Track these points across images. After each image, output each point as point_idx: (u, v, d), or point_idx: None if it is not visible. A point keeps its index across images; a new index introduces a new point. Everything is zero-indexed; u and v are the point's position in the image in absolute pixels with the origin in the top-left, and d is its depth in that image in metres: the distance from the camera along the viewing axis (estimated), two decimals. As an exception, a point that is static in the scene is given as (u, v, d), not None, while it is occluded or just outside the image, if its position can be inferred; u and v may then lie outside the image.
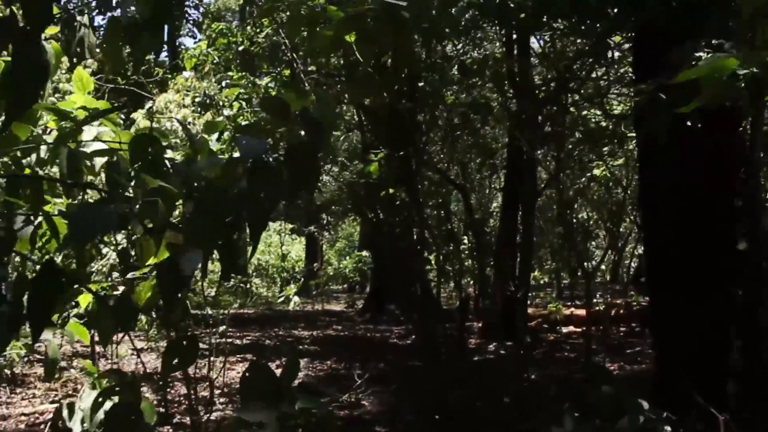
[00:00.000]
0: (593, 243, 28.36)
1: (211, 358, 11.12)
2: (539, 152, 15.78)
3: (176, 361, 2.80)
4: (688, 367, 7.13)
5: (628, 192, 21.43)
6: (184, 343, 2.84)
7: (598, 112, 14.35)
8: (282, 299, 11.26)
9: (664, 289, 7.28)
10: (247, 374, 2.59)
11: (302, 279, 29.58)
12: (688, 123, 5.84)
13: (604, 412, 4.71)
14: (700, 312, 6.96)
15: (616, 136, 13.14)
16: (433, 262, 12.57)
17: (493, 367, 11.40)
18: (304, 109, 2.97)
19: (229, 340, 14.37)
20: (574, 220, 23.98)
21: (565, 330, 16.64)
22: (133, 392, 3.04)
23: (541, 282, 29.78)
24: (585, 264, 8.98)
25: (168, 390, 9.14)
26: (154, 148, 2.64)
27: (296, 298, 10.25)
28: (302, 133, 2.88)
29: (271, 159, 2.81)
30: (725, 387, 7.05)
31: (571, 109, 13.59)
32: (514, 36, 13.29)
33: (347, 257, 32.62)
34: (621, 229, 25.11)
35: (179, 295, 2.57)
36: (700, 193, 6.98)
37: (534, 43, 14.94)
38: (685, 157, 6.99)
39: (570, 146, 16.18)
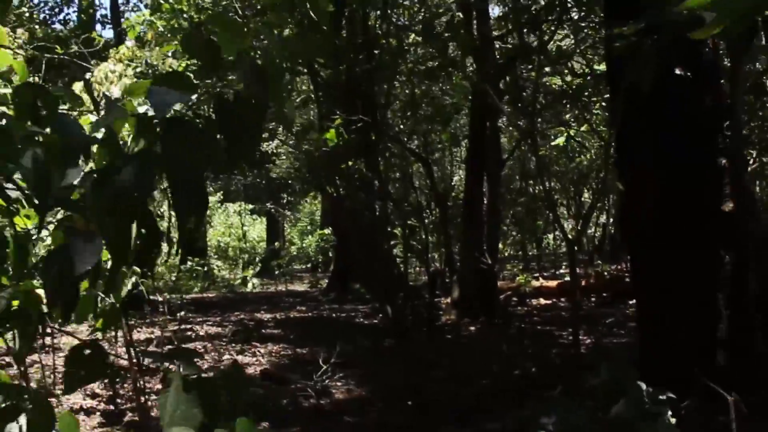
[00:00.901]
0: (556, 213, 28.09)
1: (168, 348, 10.53)
2: (501, 121, 15.34)
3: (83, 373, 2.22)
4: (675, 338, 6.71)
5: (592, 159, 21.15)
6: (87, 352, 2.24)
7: (558, 81, 13.92)
8: (239, 281, 10.68)
9: (649, 255, 6.82)
10: (171, 394, 1.93)
11: (262, 260, 29.01)
12: (678, 72, 5.36)
13: (601, 395, 4.23)
14: (687, 279, 6.53)
15: (580, 98, 12.66)
16: (398, 237, 12.05)
17: (466, 346, 10.92)
18: (241, 54, 2.39)
19: (189, 326, 13.81)
20: (537, 190, 23.69)
21: (534, 302, 16.23)
22: (42, 410, 2.43)
23: (506, 254, 29.39)
24: (564, 231, 8.45)
25: (119, 384, 8.48)
26: (45, 101, 2.03)
27: (255, 280, 9.65)
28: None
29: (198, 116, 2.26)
30: (714, 358, 6.65)
31: (532, 74, 13.14)
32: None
33: (310, 236, 32.09)
34: (583, 198, 24.88)
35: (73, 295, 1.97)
36: (683, 153, 6.52)
37: (492, 10, 14.55)
38: (668, 113, 6.52)
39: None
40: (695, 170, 6.53)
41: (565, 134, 16.45)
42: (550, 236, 29.03)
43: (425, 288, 13.76)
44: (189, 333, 13.11)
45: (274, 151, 18.53)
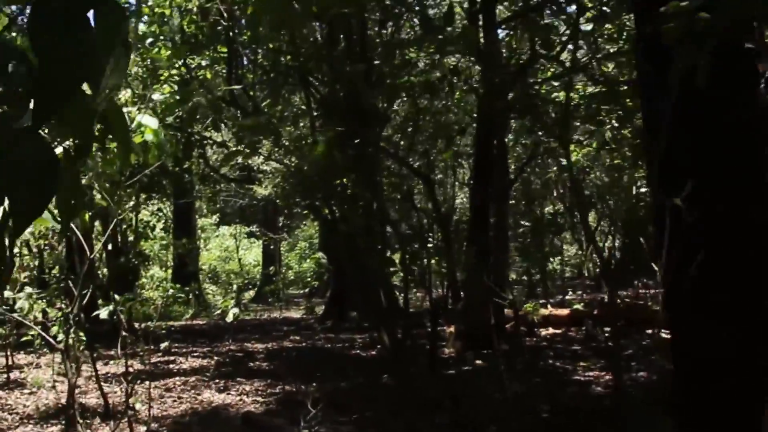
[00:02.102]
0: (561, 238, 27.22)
1: (149, 383, 9.55)
2: (509, 137, 14.41)
3: None
4: (714, 382, 5.71)
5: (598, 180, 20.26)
6: None
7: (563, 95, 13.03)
8: (219, 312, 9.73)
9: (688, 291, 5.82)
10: None
11: (256, 285, 28.04)
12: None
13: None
14: (734, 321, 5.53)
15: (593, 116, 11.76)
16: (397, 262, 11.06)
17: (471, 384, 9.89)
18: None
19: (172, 358, 12.82)
20: (542, 212, 22.78)
21: (543, 332, 15.20)
22: None
23: (509, 279, 28.35)
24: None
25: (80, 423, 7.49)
26: None
27: (235, 310, 8.66)
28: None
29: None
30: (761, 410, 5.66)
31: (543, 86, 12.26)
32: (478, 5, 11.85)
33: (307, 260, 31.17)
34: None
35: None
36: (728, 171, 5.54)
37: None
38: (708, 122, 5.54)
39: (540, 132, 14.85)
40: (741, 189, 5.55)
41: (574, 153, 15.56)
42: (555, 261, 28.07)
43: (426, 316, 12.79)
44: (171, 366, 12.10)
45: (260, 167, 17.44)
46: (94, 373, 8.67)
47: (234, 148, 11.20)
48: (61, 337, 9.14)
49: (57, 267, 19.34)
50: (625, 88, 10.61)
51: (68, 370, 6.86)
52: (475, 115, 12.57)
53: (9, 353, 11.69)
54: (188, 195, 25.72)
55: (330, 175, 9.70)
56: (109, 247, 12.30)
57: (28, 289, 8.57)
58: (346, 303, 18.65)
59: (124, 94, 7.35)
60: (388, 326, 10.71)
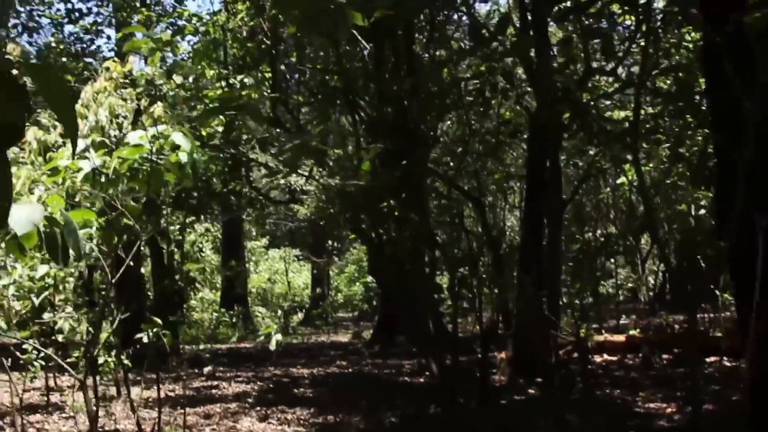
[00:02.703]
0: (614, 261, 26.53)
1: (185, 409, 9.25)
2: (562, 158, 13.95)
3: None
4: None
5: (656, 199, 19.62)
6: None
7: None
8: (262, 338, 9.43)
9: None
10: None
11: (305, 309, 27.79)
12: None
13: None
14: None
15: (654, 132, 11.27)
16: (445, 288, 10.65)
17: (524, 416, 9.41)
18: None
19: (216, 383, 12.54)
20: (594, 235, 22.19)
21: (599, 359, 14.62)
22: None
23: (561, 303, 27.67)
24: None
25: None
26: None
27: (278, 337, 8.31)
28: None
29: None
30: None
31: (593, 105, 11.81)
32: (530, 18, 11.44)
33: (357, 283, 30.89)
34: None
35: None
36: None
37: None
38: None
39: (592, 151, 14.37)
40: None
41: (629, 173, 15.02)
42: (608, 284, 27.35)
43: (476, 341, 12.36)
44: (213, 391, 11.81)
45: (302, 188, 17.09)
46: (127, 398, 8.37)
47: (275, 168, 10.92)
48: (101, 360, 8.95)
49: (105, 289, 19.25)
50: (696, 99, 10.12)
51: (88, 402, 6.56)
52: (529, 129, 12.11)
53: (53, 375, 11.52)
54: (236, 217, 25.63)
55: (376, 196, 9.36)
56: (144, 269, 12.06)
57: (69, 310, 8.34)
58: (395, 327, 18.24)
59: (155, 108, 7.09)
60: (436, 353, 10.30)
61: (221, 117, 10.72)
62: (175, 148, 5.73)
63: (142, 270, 18.97)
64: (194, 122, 8.72)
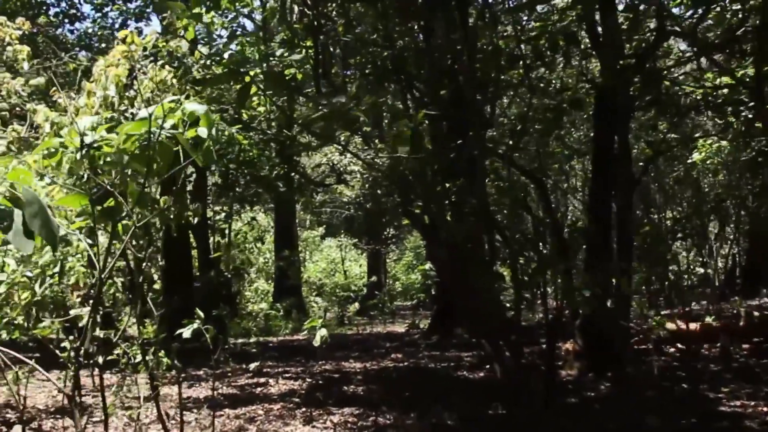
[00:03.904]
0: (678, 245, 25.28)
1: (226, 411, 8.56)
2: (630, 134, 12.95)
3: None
4: None
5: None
6: None
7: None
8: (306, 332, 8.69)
9: None
10: None
11: (360, 299, 27.16)
12: None
13: None
14: None
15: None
16: (506, 275, 9.77)
17: (596, 415, 8.53)
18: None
19: (262, 380, 11.85)
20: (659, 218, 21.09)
21: (671, 349, 13.58)
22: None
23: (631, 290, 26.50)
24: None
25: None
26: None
27: (323, 332, 7.53)
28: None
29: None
30: None
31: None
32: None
33: (414, 271, 30.18)
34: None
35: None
36: None
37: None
38: None
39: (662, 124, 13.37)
40: None
41: (703, 149, 13.94)
42: (677, 269, 26.11)
43: (541, 331, 11.48)
44: (259, 389, 11.11)
45: (346, 169, 16.09)
46: (154, 400, 7.67)
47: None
48: (139, 358, 8.35)
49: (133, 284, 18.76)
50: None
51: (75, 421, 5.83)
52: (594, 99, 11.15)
53: (91, 374, 10.93)
54: (289, 206, 25.06)
55: (431, 177, 8.55)
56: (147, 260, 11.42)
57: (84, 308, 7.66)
58: (453, 317, 17.37)
59: (156, 72, 6.35)
60: (496, 346, 9.45)
61: (262, 96, 9.96)
62: (194, 120, 4.96)
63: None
64: (201, 87, 7.93)
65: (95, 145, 4.78)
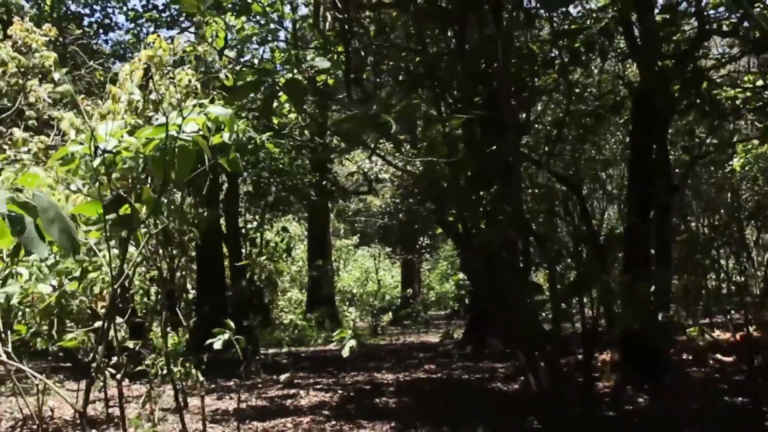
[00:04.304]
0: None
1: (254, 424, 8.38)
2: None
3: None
4: None
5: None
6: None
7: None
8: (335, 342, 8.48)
9: None
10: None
11: (393, 308, 26.97)
12: None
13: None
14: None
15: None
16: (543, 286, 9.52)
17: (635, 427, 8.23)
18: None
19: (293, 391, 11.66)
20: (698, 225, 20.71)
21: (711, 361, 13.18)
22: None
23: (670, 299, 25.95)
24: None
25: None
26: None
27: (352, 342, 7.33)
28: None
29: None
30: None
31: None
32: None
33: (449, 280, 29.91)
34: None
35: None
36: None
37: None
38: None
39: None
40: None
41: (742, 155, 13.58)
42: (715, 277, 25.58)
43: (577, 341, 11.19)
44: (289, 401, 10.91)
45: (377, 176, 15.75)
46: (179, 412, 7.52)
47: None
48: (166, 369, 8.24)
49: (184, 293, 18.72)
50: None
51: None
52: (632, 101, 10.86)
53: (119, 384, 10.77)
54: (323, 215, 24.94)
55: (462, 185, 8.32)
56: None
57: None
58: (487, 327, 17.08)
59: (181, 74, 6.20)
60: (531, 357, 9.19)
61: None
62: (218, 125, 4.79)
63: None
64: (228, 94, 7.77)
65: (114, 150, 4.63)
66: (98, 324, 7.76)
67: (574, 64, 9.28)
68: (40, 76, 7.58)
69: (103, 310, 7.08)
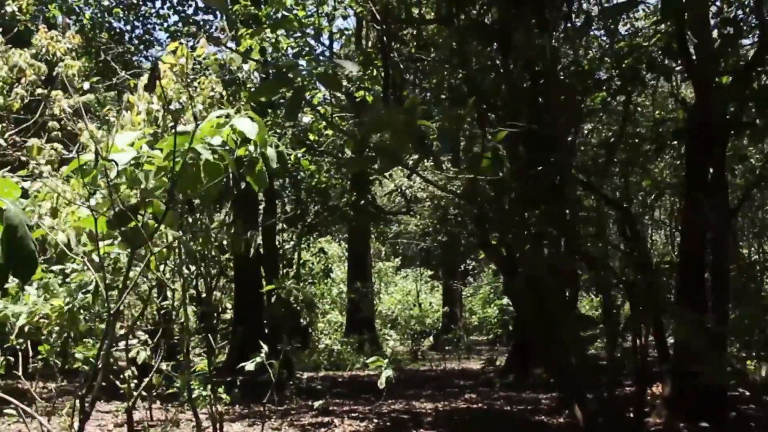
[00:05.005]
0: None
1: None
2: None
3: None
4: None
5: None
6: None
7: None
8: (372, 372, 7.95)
9: None
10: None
11: (435, 333, 26.47)
12: None
13: None
14: None
15: None
16: (589, 311, 8.98)
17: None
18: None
19: (327, 419, 11.21)
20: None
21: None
22: None
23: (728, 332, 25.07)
24: None
25: None
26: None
27: (389, 372, 6.88)
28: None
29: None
30: None
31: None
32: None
33: (491, 305, 29.30)
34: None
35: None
36: None
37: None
38: None
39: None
40: None
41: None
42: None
43: (623, 373, 10.63)
44: (322, 430, 10.46)
45: (414, 195, 15.08)
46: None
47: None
48: (196, 392, 7.95)
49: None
50: None
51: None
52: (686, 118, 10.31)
53: (149, 406, 10.45)
54: (363, 236, 24.57)
55: (507, 205, 7.86)
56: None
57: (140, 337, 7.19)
58: (531, 355, 16.51)
59: (209, 84, 5.81)
60: (578, 390, 8.66)
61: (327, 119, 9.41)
62: (243, 137, 4.40)
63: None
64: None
65: (132, 162, 4.26)
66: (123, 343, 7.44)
67: (634, 84, 8.78)
68: (61, 86, 7.29)
69: (123, 332, 6.74)
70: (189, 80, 5.81)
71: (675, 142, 11.31)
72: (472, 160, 6.89)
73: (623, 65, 8.41)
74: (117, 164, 3.91)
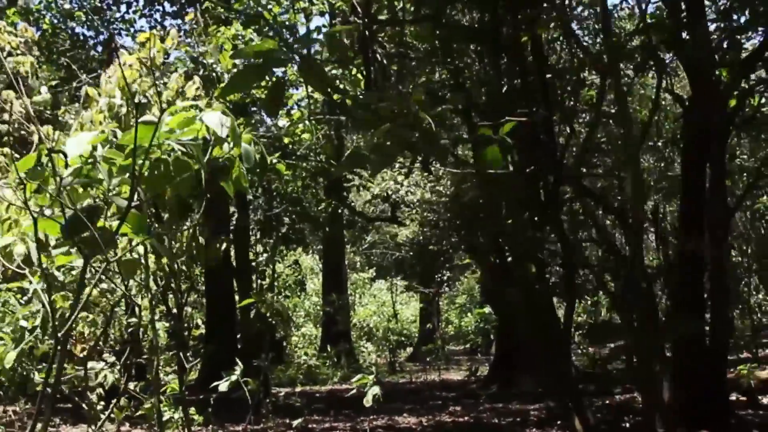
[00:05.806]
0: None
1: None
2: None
3: None
4: None
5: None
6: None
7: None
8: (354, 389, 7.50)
9: None
10: None
11: (407, 345, 26.01)
12: None
13: None
14: None
15: None
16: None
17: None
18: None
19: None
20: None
21: (765, 401, 12.08)
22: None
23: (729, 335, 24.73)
24: None
25: None
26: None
27: (375, 390, 6.35)
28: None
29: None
30: None
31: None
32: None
33: (468, 314, 28.91)
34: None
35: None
36: None
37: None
38: None
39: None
40: None
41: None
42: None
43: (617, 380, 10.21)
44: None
45: (404, 200, 14.41)
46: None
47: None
48: (168, 414, 7.43)
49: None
50: None
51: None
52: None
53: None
54: (338, 247, 24.10)
55: (503, 209, 7.39)
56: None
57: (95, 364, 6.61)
58: (514, 364, 16.03)
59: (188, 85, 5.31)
60: (577, 400, 8.21)
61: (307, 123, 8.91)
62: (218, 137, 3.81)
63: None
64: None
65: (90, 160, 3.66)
66: (91, 365, 6.86)
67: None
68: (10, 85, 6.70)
69: (83, 354, 6.15)
70: (159, 73, 5.31)
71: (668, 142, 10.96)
72: (480, 155, 6.39)
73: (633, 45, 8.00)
74: (66, 156, 3.31)
